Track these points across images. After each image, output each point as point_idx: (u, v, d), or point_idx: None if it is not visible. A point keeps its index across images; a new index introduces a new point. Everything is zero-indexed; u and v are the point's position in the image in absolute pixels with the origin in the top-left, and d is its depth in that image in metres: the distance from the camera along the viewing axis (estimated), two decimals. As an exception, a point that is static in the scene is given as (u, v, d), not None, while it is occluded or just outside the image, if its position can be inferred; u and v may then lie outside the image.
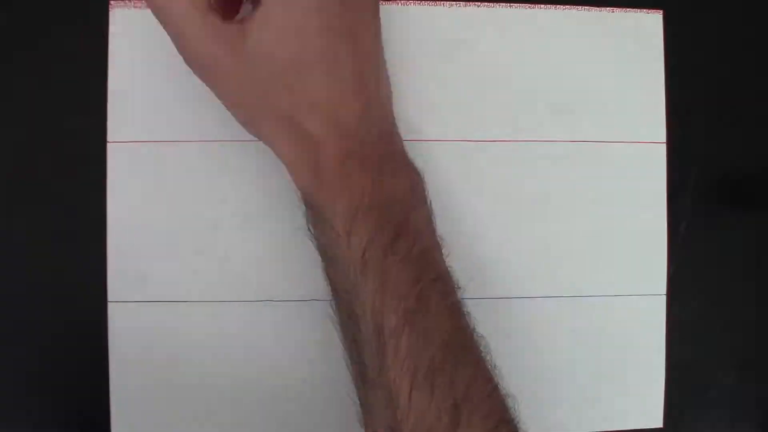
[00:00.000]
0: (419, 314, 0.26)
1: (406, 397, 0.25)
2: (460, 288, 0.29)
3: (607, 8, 0.35)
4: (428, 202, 0.29)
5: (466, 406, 0.25)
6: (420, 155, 0.34)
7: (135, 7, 0.34)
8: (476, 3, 0.35)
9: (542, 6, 0.35)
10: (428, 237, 0.29)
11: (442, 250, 0.29)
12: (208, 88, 0.33)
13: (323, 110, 0.27)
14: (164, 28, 0.28)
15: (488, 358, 0.28)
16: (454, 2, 0.34)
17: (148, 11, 0.33)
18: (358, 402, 0.29)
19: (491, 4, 0.35)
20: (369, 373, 0.26)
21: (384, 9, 0.34)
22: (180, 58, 0.33)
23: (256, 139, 0.33)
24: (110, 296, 0.33)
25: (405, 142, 0.34)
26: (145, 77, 0.34)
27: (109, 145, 0.34)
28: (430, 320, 0.26)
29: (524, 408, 0.34)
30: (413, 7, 0.34)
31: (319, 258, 0.29)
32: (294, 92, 0.27)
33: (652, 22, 0.35)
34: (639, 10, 0.35)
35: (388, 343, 0.26)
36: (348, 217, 0.26)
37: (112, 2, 0.34)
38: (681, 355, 0.35)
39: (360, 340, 0.27)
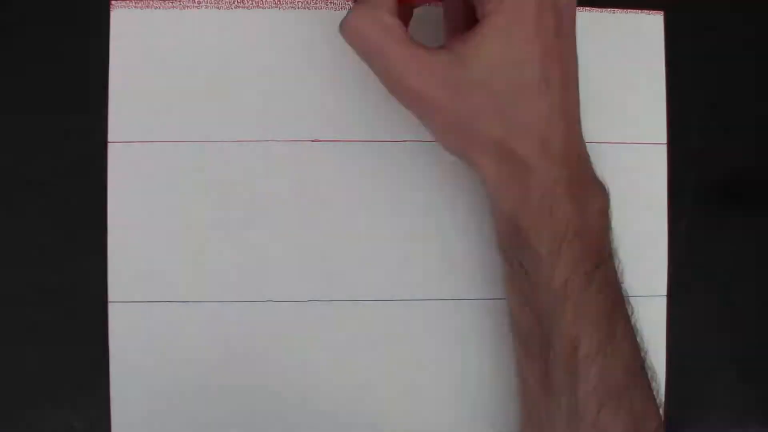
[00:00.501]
0: (611, 341, 0.28)
1: (594, 415, 0.27)
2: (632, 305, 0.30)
3: (608, 9, 0.35)
4: (611, 220, 0.30)
5: (642, 425, 0.28)
6: (420, 156, 0.34)
7: (136, 7, 0.34)
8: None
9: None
10: (614, 258, 0.30)
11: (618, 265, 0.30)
12: (207, 89, 0.34)
13: (535, 135, 0.27)
14: (368, 65, 0.28)
15: (649, 370, 0.30)
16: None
17: (150, 11, 0.34)
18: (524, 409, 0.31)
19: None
20: (556, 386, 0.28)
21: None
22: (180, 59, 0.34)
23: (256, 139, 0.34)
24: (110, 296, 0.33)
25: (404, 143, 0.34)
26: (146, 77, 0.34)
27: (109, 145, 0.34)
28: (618, 345, 0.28)
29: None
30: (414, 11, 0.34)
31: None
32: (508, 118, 0.27)
33: (653, 23, 0.35)
34: (640, 11, 0.35)
35: (581, 365, 0.27)
36: (554, 246, 0.27)
37: (113, 2, 0.34)
38: (681, 356, 0.35)
39: (552, 357, 0.28)
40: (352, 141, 0.34)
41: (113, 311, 0.33)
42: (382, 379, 0.34)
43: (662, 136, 0.35)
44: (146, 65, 0.34)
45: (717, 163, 0.36)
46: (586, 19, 0.35)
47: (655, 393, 0.30)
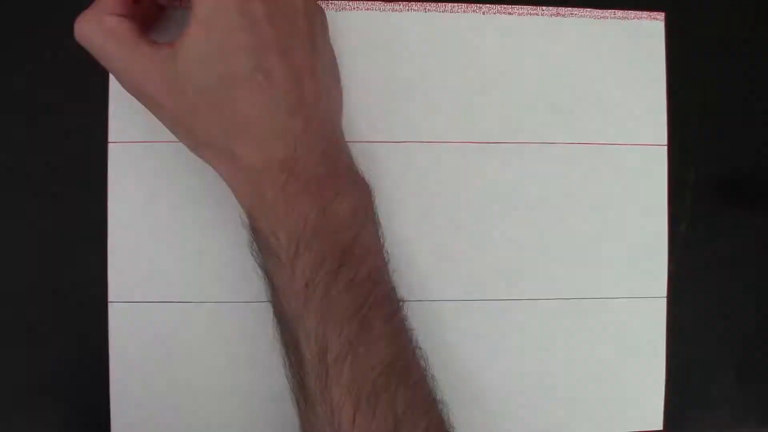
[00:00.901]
0: (362, 341, 0.26)
1: (349, 420, 0.26)
2: (402, 304, 0.29)
3: (609, 11, 0.35)
4: (376, 217, 0.29)
5: (405, 426, 0.26)
6: (420, 157, 0.34)
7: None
8: (479, 11, 0.34)
9: (544, 8, 0.35)
10: (374, 256, 0.29)
11: (388, 266, 0.29)
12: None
13: (257, 133, 0.27)
14: (101, 63, 0.28)
15: (428, 371, 0.29)
16: (456, 4, 0.34)
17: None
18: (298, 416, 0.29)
19: (493, 5, 0.34)
20: (311, 395, 0.27)
21: (385, 15, 0.34)
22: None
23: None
24: (110, 296, 0.33)
25: (404, 144, 0.34)
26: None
27: (109, 145, 0.34)
28: (372, 346, 0.27)
29: (524, 410, 0.35)
30: (415, 14, 0.34)
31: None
32: (224, 115, 0.27)
33: (654, 24, 0.35)
34: (640, 12, 0.35)
35: (331, 369, 0.26)
36: (291, 248, 0.26)
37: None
38: (681, 357, 0.35)
39: (303, 363, 0.27)
40: (352, 142, 0.34)
41: (113, 311, 0.33)
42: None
43: (663, 138, 0.35)
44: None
45: (717, 165, 0.36)
46: (587, 20, 0.35)
47: (429, 390, 0.28)
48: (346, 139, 0.34)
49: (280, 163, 0.27)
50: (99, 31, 0.27)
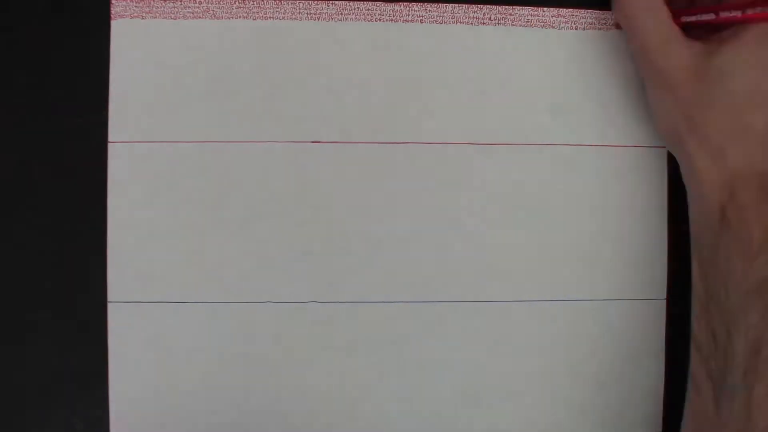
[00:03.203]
0: None
1: (766, 418, 0.27)
2: None
3: (610, 12, 0.35)
4: None
5: None
6: (420, 157, 0.34)
7: (137, 6, 0.33)
8: (479, 11, 0.34)
9: (545, 9, 0.35)
10: None
11: None
12: (208, 90, 0.34)
13: (752, 146, 0.29)
14: (629, 39, 0.32)
15: None
16: (457, 5, 0.34)
17: (150, 11, 0.33)
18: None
19: (494, 6, 0.34)
20: (729, 392, 0.28)
21: (386, 16, 0.34)
22: (180, 60, 0.34)
23: (255, 139, 0.34)
24: (110, 296, 0.33)
25: (404, 144, 0.34)
26: (146, 77, 0.34)
27: (109, 145, 0.34)
28: None
29: (523, 411, 0.35)
30: (419, 26, 0.34)
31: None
32: (734, 121, 0.29)
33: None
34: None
35: (761, 365, 0.28)
36: (757, 245, 0.28)
37: (113, 1, 0.33)
38: (680, 359, 0.35)
39: (730, 355, 0.28)
40: (353, 142, 0.34)
41: (113, 311, 0.33)
42: (382, 380, 0.34)
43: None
44: (147, 65, 0.34)
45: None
46: (586, 20, 0.35)
47: None
48: (346, 140, 0.34)
49: (761, 173, 0.29)
50: (647, 4, 0.30)
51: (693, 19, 0.31)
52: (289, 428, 0.34)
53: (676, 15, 0.30)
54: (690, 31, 0.30)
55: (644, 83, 0.32)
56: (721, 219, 0.29)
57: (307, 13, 0.34)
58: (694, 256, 0.31)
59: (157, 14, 0.34)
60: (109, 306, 0.33)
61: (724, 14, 0.30)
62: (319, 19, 0.34)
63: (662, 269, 0.35)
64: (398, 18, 0.34)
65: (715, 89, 0.29)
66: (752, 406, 0.28)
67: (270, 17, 0.34)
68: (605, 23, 0.35)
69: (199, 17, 0.34)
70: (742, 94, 0.29)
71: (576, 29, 0.35)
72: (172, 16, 0.34)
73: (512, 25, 0.35)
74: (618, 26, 0.34)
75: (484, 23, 0.34)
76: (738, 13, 0.29)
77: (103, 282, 0.33)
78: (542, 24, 0.35)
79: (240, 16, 0.34)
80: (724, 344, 0.28)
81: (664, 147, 0.35)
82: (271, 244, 0.34)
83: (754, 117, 0.29)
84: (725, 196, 0.29)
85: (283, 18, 0.34)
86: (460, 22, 0.34)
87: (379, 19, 0.34)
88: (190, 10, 0.34)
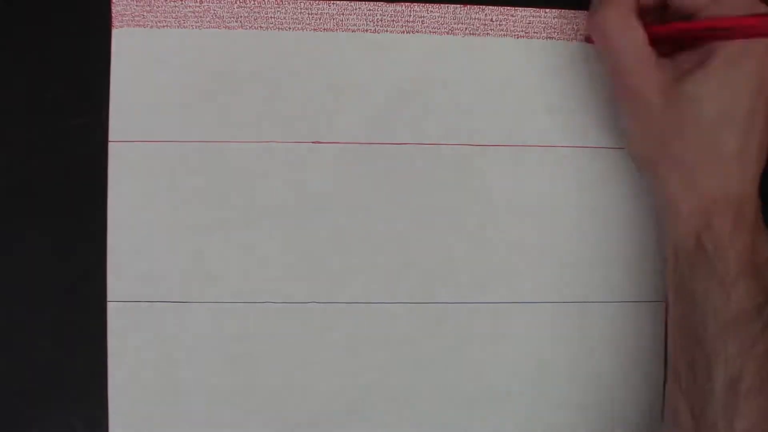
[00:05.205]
0: None
1: None
2: None
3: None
4: None
5: None
6: (419, 158, 0.34)
7: (137, 6, 0.33)
8: (480, 12, 0.34)
9: (546, 10, 0.34)
10: None
11: None
12: (208, 90, 0.34)
13: (725, 169, 0.29)
14: (603, 56, 0.31)
15: None
16: (458, 5, 0.34)
17: (150, 11, 0.33)
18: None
19: (496, 6, 0.34)
20: (707, 421, 0.27)
21: (389, 27, 0.34)
22: (180, 59, 0.34)
23: (255, 139, 0.34)
24: (110, 296, 0.33)
25: (404, 145, 0.34)
26: (147, 77, 0.34)
27: (109, 145, 0.33)
28: None
29: (523, 412, 0.35)
30: (420, 27, 0.34)
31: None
32: (706, 145, 0.28)
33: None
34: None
35: (741, 401, 0.27)
36: (732, 275, 0.28)
37: (114, 0, 0.33)
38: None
39: (708, 389, 0.28)
40: (353, 143, 0.34)
41: (112, 311, 0.33)
42: (382, 381, 0.34)
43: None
44: (147, 65, 0.34)
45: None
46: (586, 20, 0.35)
47: None
48: (346, 140, 0.34)
49: (735, 198, 0.28)
50: (624, 23, 0.29)
51: (663, 31, 0.30)
52: (289, 428, 0.34)
53: (646, 27, 0.29)
54: (660, 46, 0.29)
55: (616, 103, 0.32)
56: (697, 247, 0.28)
57: (309, 14, 0.34)
58: (669, 280, 0.30)
59: (158, 13, 0.33)
60: (109, 306, 0.33)
61: (695, 23, 0.29)
62: (320, 20, 0.34)
63: (661, 271, 0.35)
64: (399, 19, 0.34)
65: (686, 114, 0.28)
66: None
67: (271, 17, 0.34)
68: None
69: (200, 16, 0.33)
70: (714, 118, 0.28)
71: (577, 30, 0.35)
72: (174, 16, 0.33)
73: (513, 25, 0.34)
74: (589, 39, 0.34)
75: (485, 24, 0.34)
76: (713, 21, 0.28)
77: (103, 282, 0.33)
78: (544, 25, 0.34)
79: (242, 16, 0.34)
80: (703, 376, 0.28)
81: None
82: (271, 244, 0.34)
83: (726, 141, 0.28)
84: (701, 223, 0.28)
85: (285, 18, 0.34)
86: (462, 23, 0.34)
87: (381, 20, 0.34)
88: (191, 9, 0.33)
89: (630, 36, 0.29)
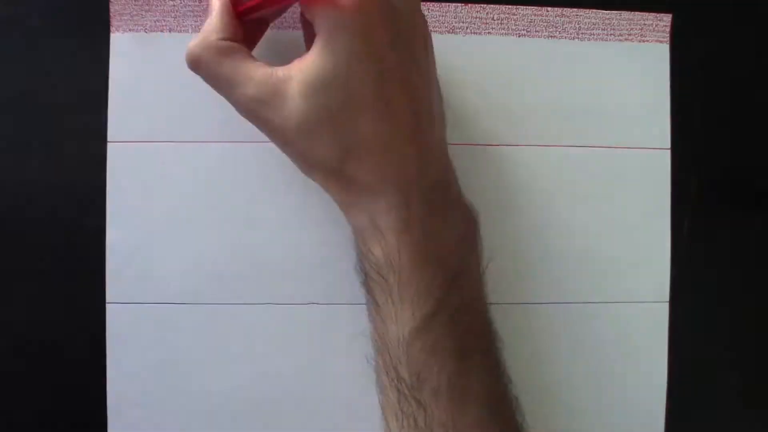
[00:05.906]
0: (461, 373, 0.27)
1: None
2: (496, 335, 0.29)
3: (615, 12, 0.35)
4: (479, 247, 0.29)
5: None
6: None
7: (135, 5, 0.33)
8: (482, 11, 0.34)
9: (548, 9, 0.34)
10: (476, 285, 0.29)
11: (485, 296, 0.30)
12: (207, 90, 0.33)
13: (374, 160, 0.27)
14: (215, 87, 0.28)
15: (518, 405, 0.29)
16: (459, 5, 0.34)
17: (150, 11, 0.33)
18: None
19: (497, 6, 0.34)
20: (407, 419, 0.27)
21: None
22: (180, 59, 0.33)
23: (255, 139, 0.33)
24: (110, 296, 0.33)
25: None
26: (146, 77, 0.34)
27: (109, 145, 0.33)
28: (470, 378, 0.27)
29: (526, 413, 0.35)
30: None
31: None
32: (341, 140, 0.26)
33: (660, 27, 0.35)
34: (646, 14, 0.35)
35: (428, 401, 0.27)
36: (400, 272, 0.27)
37: (112, 1, 0.33)
38: (683, 360, 0.35)
39: (401, 389, 0.27)
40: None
41: (112, 311, 0.33)
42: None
43: (665, 142, 0.35)
44: (146, 65, 0.34)
45: (720, 169, 0.36)
46: (591, 21, 0.34)
47: (518, 427, 0.29)
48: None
49: (395, 190, 0.27)
50: (213, 55, 0.27)
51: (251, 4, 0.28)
52: (289, 428, 0.34)
53: (236, 9, 0.28)
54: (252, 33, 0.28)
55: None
56: (361, 249, 0.28)
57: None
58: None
59: (157, 13, 0.33)
60: (109, 306, 0.33)
61: None
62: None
63: (665, 271, 0.35)
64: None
65: (307, 121, 0.26)
66: None
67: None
68: (608, 26, 0.34)
69: (199, 16, 0.33)
70: (335, 114, 0.26)
71: (582, 30, 0.34)
72: (172, 15, 0.33)
73: (515, 24, 0.34)
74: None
75: (487, 23, 0.34)
76: None
77: (103, 282, 0.33)
78: (545, 24, 0.34)
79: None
80: (396, 375, 0.27)
81: (668, 149, 0.34)
82: (271, 245, 0.34)
83: (361, 132, 0.26)
84: (364, 222, 0.27)
85: (284, 17, 0.34)
86: (463, 22, 0.34)
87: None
88: (190, 9, 0.33)
89: (227, 62, 0.27)
